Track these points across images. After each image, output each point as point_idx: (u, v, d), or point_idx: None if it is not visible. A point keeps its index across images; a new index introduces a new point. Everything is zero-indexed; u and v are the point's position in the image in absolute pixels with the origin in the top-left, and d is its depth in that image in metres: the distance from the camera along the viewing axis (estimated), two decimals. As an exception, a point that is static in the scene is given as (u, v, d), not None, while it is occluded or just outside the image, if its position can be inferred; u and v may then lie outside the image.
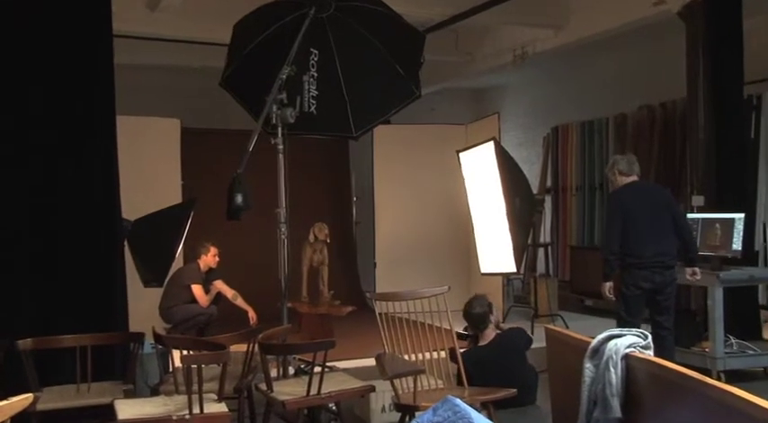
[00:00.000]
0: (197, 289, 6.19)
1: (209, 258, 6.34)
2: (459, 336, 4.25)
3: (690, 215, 5.53)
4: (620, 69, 8.45)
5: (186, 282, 6.19)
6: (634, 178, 4.75)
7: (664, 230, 4.58)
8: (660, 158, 7.61)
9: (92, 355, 3.55)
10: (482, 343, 4.29)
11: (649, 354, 2.42)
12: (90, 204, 4.16)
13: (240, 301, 6.29)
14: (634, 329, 2.58)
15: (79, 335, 3.65)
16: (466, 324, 4.64)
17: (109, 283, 4.19)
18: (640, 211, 4.59)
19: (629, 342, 2.45)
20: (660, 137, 7.64)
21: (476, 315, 4.24)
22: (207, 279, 6.35)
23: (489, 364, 4.17)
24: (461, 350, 4.16)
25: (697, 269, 4.74)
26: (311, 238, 6.65)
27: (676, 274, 4.63)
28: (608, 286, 4.64)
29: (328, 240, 6.70)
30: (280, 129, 4.06)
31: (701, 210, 5.71)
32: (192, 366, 3.10)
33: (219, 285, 6.34)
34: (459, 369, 4.01)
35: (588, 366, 2.53)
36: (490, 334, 4.27)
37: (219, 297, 6.37)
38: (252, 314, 6.19)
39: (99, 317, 4.07)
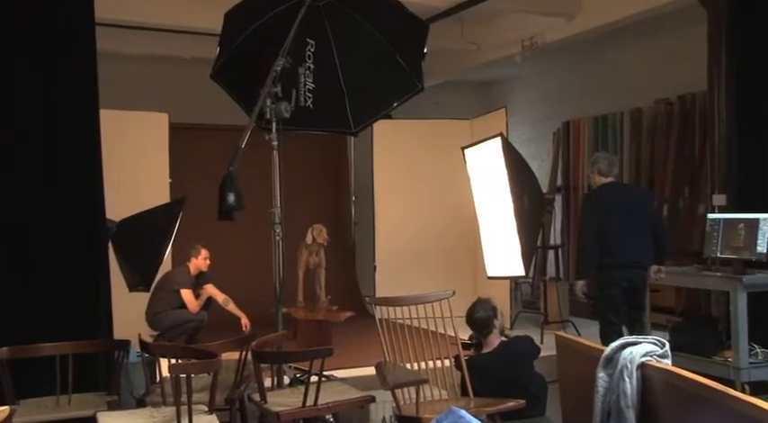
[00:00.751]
0: (186, 294, 6.19)
1: (200, 261, 6.34)
2: (464, 345, 4.25)
3: (711, 215, 5.52)
4: (635, 60, 8.45)
5: (175, 286, 6.19)
6: (611, 179, 5.13)
7: (641, 231, 4.93)
8: (678, 155, 7.61)
9: (73, 364, 3.55)
10: (486, 350, 4.29)
11: (667, 363, 2.42)
12: (72, 204, 4.15)
13: (232, 307, 6.29)
14: (650, 337, 2.58)
15: (60, 343, 3.64)
16: (471, 332, 4.65)
17: (92, 287, 4.18)
18: (618, 211, 4.92)
19: (644, 350, 2.45)
20: (678, 132, 7.64)
21: (479, 319, 4.24)
22: (197, 283, 6.35)
23: (493, 372, 4.16)
24: (465, 358, 4.16)
25: (663, 267, 5.04)
26: (308, 240, 6.65)
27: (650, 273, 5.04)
28: (581, 285, 5.00)
29: (323, 242, 6.70)
30: (274, 124, 4.06)
31: (722, 209, 5.69)
32: (181, 376, 3.09)
33: (210, 290, 6.34)
34: (463, 378, 4.01)
35: (601, 376, 2.52)
36: (494, 340, 4.26)
37: (210, 302, 6.37)
38: (245, 321, 6.19)
39: (81, 323, 4.06)
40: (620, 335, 4.08)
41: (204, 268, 6.38)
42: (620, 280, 4.91)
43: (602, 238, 4.84)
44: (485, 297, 4.40)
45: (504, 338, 4.34)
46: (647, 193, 5.00)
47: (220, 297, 6.32)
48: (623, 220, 4.90)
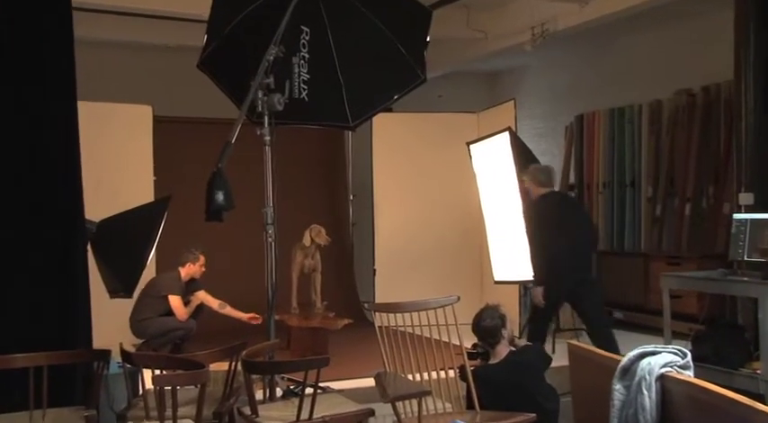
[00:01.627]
0: (175, 300, 6.19)
1: (196, 268, 6.35)
2: (469, 355, 4.25)
3: (737, 216, 5.52)
4: (654, 48, 8.44)
5: (163, 291, 6.20)
6: (552, 189, 5.70)
7: (587, 239, 5.67)
8: (701, 150, 7.60)
9: (48, 376, 3.53)
10: (493, 361, 4.29)
11: (689, 374, 2.42)
12: (47, 204, 4.14)
13: (229, 310, 6.32)
14: (670, 346, 2.57)
15: (33, 353, 3.62)
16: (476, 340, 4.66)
17: (69, 293, 4.16)
18: (568, 218, 5.53)
19: (664, 361, 2.45)
20: (701, 125, 7.63)
21: (486, 328, 4.23)
22: (188, 290, 6.36)
23: (501, 384, 4.16)
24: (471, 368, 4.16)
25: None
26: (306, 241, 6.63)
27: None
28: (541, 290, 5.42)
29: (324, 244, 6.68)
30: (266, 118, 4.06)
31: (749, 209, 5.67)
32: (166, 388, 3.09)
33: (203, 296, 6.37)
34: (469, 389, 4.00)
35: (618, 388, 2.52)
36: (503, 351, 4.26)
37: (200, 311, 6.38)
38: (250, 316, 6.17)
39: (57, 332, 4.04)
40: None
41: (198, 276, 6.40)
42: (571, 286, 5.47)
43: (555, 245, 5.36)
44: (492, 304, 4.41)
45: (512, 348, 4.35)
46: (577, 202, 5.79)
47: (214, 303, 6.34)
48: (573, 227, 5.49)
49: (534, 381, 4.22)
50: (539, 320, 5.65)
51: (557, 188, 5.97)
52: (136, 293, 5.29)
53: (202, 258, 6.37)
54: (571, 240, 5.40)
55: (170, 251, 6.39)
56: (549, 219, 5.46)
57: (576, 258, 5.48)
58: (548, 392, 4.24)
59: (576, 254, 5.47)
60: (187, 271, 6.34)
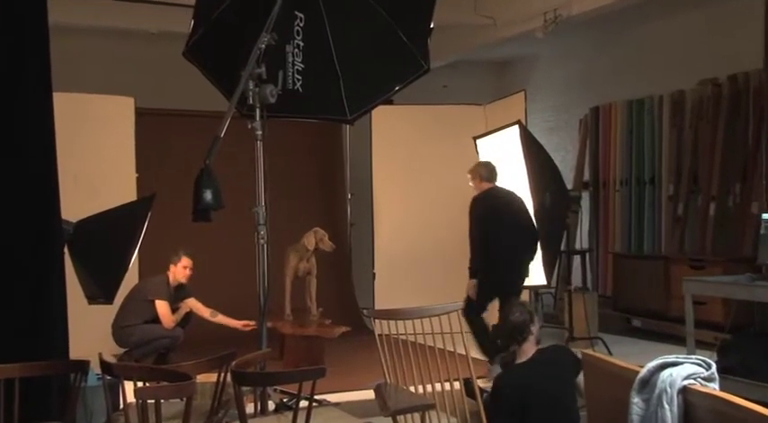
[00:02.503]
0: (162, 306, 6.19)
1: (178, 270, 6.33)
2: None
3: (765, 215, 5.51)
4: (676, 35, 8.45)
5: (150, 296, 6.20)
6: (494, 185, 6.13)
7: (527, 232, 6.08)
8: (727, 144, 7.60)
9: (20, 389, 3.53)
10: (520, 360, 4.23)
11: (714, 387, 2.41)
12: (21, 203, 4.13)
13: (221, 318, 6.34)
14: (693, 356, 2.57)
15: (4, 364, 3.62)
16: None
17: (44, 299, 4.16)
18: (508, 214, 6.01)
19: (687, 372, 2.44)
20: (727, 117, 7.63)
21: (516, 323, 4.18)
22: (176, 297, 6.36)
23: (535, 387, 4.09)
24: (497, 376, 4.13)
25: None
26: (309, 245, 6.62)
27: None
28: (473, 283, 5.90)
29: (329, 251, 6.66)
30: (258, 110, 4.06)
31: (778, 208, 5.70)
32: (149, 401, 3.09)
33: (192, 304, 6.38)
34: (479, 405, 4.00)
35: (636, 401, 2.52)
36: (530, 349, 4.20)
37: (188, 319, 6.38)
38: (244, 323, 6.17)
39: (31, 341, 4.04)
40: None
41: (183, 279, 6.38)
42: (509, 279, 5.96)
43: (496, 240, 5.86)
44: (520, 300, 4.39)
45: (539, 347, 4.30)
46: (521, 198, 6.22)
47: (206, 312, 6.35)
48: (513, 222, 6.00)
49: (569, 384, 4.15)
50: (470, 313, 5.81)
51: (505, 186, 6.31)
52: (119, 299, 5.29)
53: (185, 260, 6.33)
54: (505, 239, 5.87)
55: (154, 254, 6.40)
56: (485, 215, 5.91)
57: (510, 257, 5.91)
58: (572, 401, 4.16)
59: (510, 252, 5.91)
60: (173, 274, 6.34)
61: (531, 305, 4.40)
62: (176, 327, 6.27)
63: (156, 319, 6.22)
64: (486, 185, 6.10)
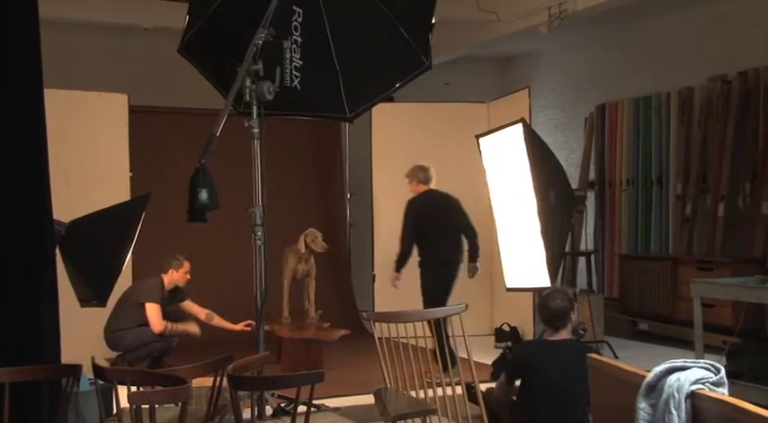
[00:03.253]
0: (152, 309, 6.18)
1: (180, 275, 6.36)
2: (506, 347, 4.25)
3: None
4: (685, 30, 8.45)
5: (141, 299, 6.20)
6: (430, 187, 6.64)
7: (455, 232, 6.54)
8: (737, 143, 7.60)
9: (10, 394, 3.53)
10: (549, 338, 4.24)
11: (723, 392, 2.41)
12: (11, 203, 4.13)
13: (218, 320, 6.37)
14: (701, 361, 2.57)
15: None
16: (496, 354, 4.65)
17: (35, 301, 4.15)
18: (436, 215, 6.52)
19: (695, 377, 2.44)
20: (737, 115, 7.64)
21: (556, 309, 4.17)
22: (172, 300, 6.37)
23: (534, 366, 4.09)
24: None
25: (477, 264, 6.62)
26: (300, 247, 6.64)
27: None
28: (396, 276, 6.59)
29: (321, 251, 6.67)
30: (255, 108, 4.06)
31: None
32: (143, 407, 3.09)
33: (189, 306, 6.41)
34: (481, 410, 4.01)
35: (643, 407, 2.52)
36: (563, 335, 4.21)
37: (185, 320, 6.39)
38: (244, 324, 6.18)
39: (20, 345, 4.03)
40: None
41: (182, 284, 6.41)
42: (442, 274, 6.44)
43: (424, 239, 6.47)
44: (562, 287, 4.38)
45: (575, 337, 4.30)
46: (456, 200, 6.65)
47: (202, 313, 6.39)
48: (441, 222, 6.49)
49: (580, 380, 4.09)
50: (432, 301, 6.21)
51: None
52: (112, 301, 5.29)
53: (187, 265, 6.37)
54: (437, 238, 6.42)
55: (148, 255, 6.40)
56: (421, 216, 6.49)
57: (440, 257, 6.45)
58: (577, 397, 4.12)
59: (441, 252, 6.45)
60: (170, 278, 6.34)
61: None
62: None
63: (148, 323, 6.22)
64: (422, 188, 6.61)
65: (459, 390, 4.05)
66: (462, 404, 3.95)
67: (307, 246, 6.64)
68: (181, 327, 6.31)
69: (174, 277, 6.36)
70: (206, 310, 6.40)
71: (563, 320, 4.18)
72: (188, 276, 6.41)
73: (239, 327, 6.22)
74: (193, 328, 6.35)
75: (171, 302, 6.36)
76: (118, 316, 6.17)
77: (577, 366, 4.11)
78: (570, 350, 4.17)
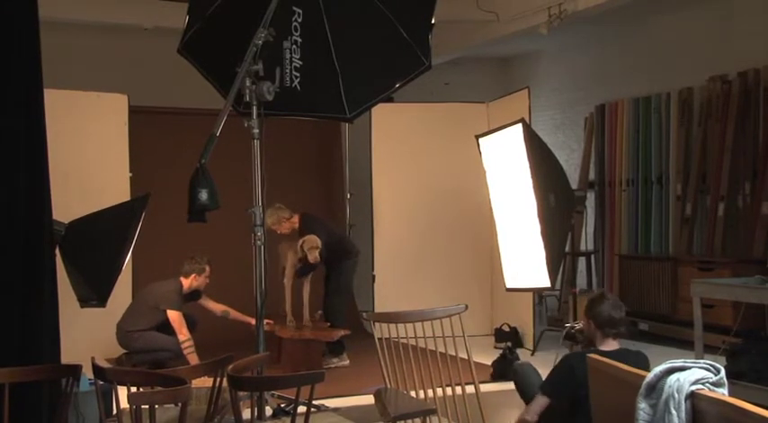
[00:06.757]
0: (176, 317, 6.17)
1: (201, 279, 6.36)
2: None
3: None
4: (685, 31, 8.45)
5: (162, 305, 6.20)
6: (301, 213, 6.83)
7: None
8: (737, 143, 7.60)
9: (10, 395, 3.53)
10: (602, 349, 4.13)
11: (723, 392, 2.42)
12: (11, 203, 4.13)
13: (235, 314, 6.45)
14: (701, 361, 2.57)
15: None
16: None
17: (35, 302, 4.15)
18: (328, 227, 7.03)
19: (695, 377, 2.44)
20: (737, 115, 7.63)
21: (614, 319, 4.02)
22: (188, 299, 6.38)
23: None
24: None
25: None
26: (297, 251, 6.60)
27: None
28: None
29: (313, 262, 6.60)
30: (255, 108, 4.07)
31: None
32: (143, 407, 3.09)
33: (204, 302, 6.47)
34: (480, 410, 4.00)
35: (643, 407, 2.52)
36: (611, 344, 4.13)
37: (194, 322, 6.39)
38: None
39: (20, 345, 4.04)
40: None
41: (202, 287, 6.44)
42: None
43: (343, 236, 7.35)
44: (616, 296, 4.27)
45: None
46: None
47: (218, 309, 6.45)
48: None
49: None
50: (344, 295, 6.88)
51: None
52: (111, 302, 5.28)
53: (209, 269, 6.38)
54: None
55: (148, 255, 6.42)
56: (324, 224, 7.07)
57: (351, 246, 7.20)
58: None
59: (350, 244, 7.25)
60: (190, 283, 6.34)
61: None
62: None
63: (162, 326, 6.22)
64: (296, 217, 6.74)
65: (459, 390, 4.05)
66: (462, 405, 3.96)
67: (302, 250, 6.58)
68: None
69: (195, 282, 6.36)
70: (222, 307, 6.45)
71: (615, 329, 4.00)
72: (208, 280, 6.43)
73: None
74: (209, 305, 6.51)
75: (187, 302, 6.36)
76: (134, 317, 6.19)
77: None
78: (633, 359, 4.02)
